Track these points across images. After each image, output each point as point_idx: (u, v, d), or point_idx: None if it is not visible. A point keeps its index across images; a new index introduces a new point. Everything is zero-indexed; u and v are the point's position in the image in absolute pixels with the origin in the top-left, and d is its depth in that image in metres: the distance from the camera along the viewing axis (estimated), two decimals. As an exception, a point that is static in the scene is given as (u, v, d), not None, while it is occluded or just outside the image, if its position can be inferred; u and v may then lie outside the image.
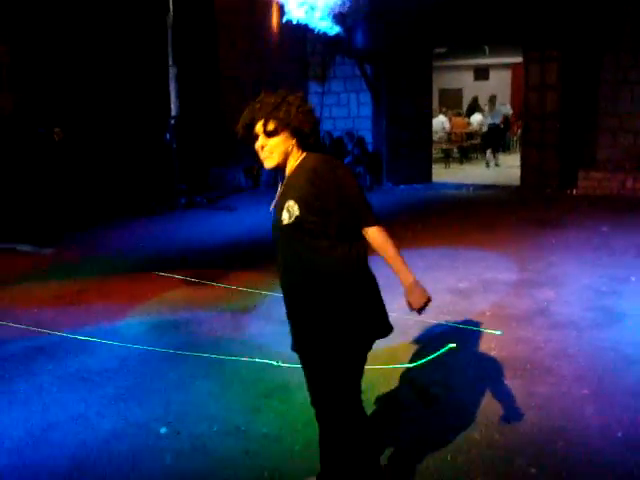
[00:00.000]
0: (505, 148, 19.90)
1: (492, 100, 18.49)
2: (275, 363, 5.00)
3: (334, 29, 13.04)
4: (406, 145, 14.95)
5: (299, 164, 3.00)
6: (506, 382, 4.74)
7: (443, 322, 5.95)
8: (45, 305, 6.83)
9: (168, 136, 12.75)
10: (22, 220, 10.17)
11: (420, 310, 3.08)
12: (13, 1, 11.29)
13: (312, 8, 12.38)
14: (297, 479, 3.52)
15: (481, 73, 25.59)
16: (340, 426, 3.07)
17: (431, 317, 6.14)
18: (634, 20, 12.52)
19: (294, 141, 2.98)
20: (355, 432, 3.08)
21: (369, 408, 4.37)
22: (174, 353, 5.47)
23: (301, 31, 13.58)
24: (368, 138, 15.20)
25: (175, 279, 7.56)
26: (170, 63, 12.62)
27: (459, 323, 5.94)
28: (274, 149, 2.96)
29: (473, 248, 8.79)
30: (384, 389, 4.68)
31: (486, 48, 20.34)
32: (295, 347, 3.11)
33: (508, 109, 19.37)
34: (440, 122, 18.95)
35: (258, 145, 2.99)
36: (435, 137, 17.85)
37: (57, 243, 9.78)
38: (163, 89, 12.69)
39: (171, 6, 12.34)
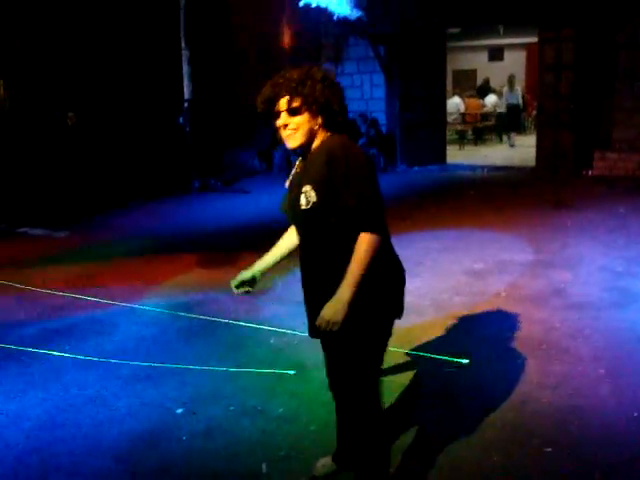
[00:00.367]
0: (522, 129, 19.77)
1: (511, 80, 18.36)
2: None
3: (347, 10, 12.96)
4: (420, 127, 14.87)
5: (320, 145, 2.82)
6: (521, 362, 4.73)
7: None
8: (60, 288, 6.87)
9: (181, 119, 12.76)
10: (36, 204, 10.22)
11: (321, 327, 2.78)
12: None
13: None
14: (313, 458, 3.52)
15: (495, 53, 25.37)
16: (359, 410, 3.00)
17: (446, 299, 6.15)
18: (651, -1, 12.36)
19: (320, 120, 2.79)
20: (373, 416, 3.02)
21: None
22: (190, 334, 5.50)
23: (314, 12, 13.50)
24: (382, 120, 15.12)
25: (188, 261, 7.58)
26: (183, 46, 12.60)
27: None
28: (298, 128, 2.77)
29: (488, 229, 8.76)
30: (398, 371, 4.68)
31: (500, 28, 20.13)
32: (314, 332, 2.95)
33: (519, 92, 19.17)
34: (454, 103, 18.82)
35: (280, 123, 2.79)
36: (449, 118, 17.76)
37: (71, 227, 9.82)
38: (176, 72, 12.68)
39: (183, -12, 12.30)
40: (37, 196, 10.41)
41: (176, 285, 6.91)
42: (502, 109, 19.16)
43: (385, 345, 2.98)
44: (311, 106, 2.75)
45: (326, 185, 2.70)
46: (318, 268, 2.89)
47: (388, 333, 2.95)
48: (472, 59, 25.33)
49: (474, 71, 25.09)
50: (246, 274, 3.27)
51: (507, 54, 25.16)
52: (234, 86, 14.07)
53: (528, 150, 15.42)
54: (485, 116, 19.80)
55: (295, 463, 3.57)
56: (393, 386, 4.37)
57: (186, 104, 12.70)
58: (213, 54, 13.75)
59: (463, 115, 19.27)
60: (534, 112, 18.33)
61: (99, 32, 11.89)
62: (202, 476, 3.57)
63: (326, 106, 2.77)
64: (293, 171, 3.00)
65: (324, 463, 3.44)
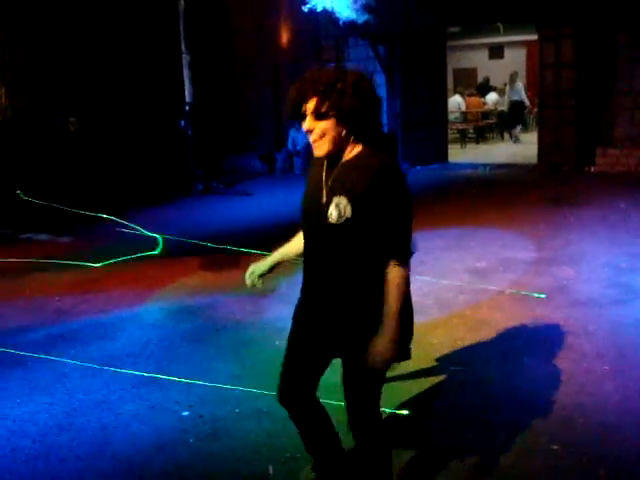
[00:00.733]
0: (524, 126, 19.80)
1: (513, 77, 18.43)
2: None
3: (347, 11, 12.96)
4: (421, 126, 14.88)
5: (357, 157, 2.66)
6: (526, 360, 4.74)
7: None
8: (65, 293, 6.88)
9: (183, 123, 12.77)
10: (40, 209, 10.24)
11: (375, 366, 2.71)
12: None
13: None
14: (319, 459, 3.53)
15: (496, 52, 25.37)
16: (375, 429, 2.98)
17: (450, 298, 6.15)
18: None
19: (347, 128, 2.60)
20: (380, 425, 3.04)
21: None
22: (195, 337, 5.51)
23: (314, 14, 13.51)
24: (383, 119, 15.12)
25: (192, 264, 7.60)
26: (183, 50, 12.62)
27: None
28: (324, 134, 2.59)
29: (491, 227, 8.76)
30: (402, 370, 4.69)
31: (500, 26, 20.15)
32: (339, 351, 2.86)
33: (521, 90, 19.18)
34: (456, 102, 18.84)
35: (306, 127, 2.61)
36: (451, 117, 17.78)
37: (75, 232, 9.84)
38: (177, 76, 12.70)
39: (182, -8, 12.33)
40: (42, 202, 10.42)
41: (180, 288, 6.92)
42: (504, 107, 19.20)
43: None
44: (338, 113, 2.55)
45: (365, 204, 2.58)
46: (340, 286, 2.73)
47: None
48: (472, 57, 25.34)
49: (475, 69, 25.11)
50: (262, 267, 3.16)
51: (507, 52, 25.16)
52: (235, 89, 14.09)
53: (530, 147, 15.42)
54: (486, 114, 19.80)
55: (301, 465, 3.58)
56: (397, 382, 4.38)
57: (187, 108, 12.72)
58: (213, 57, 13.78)
59: (464, 114, 19.28)
60: (535, 109, 18.36)
61: (99, 38, 11.91)
62: (208, 479, 3.58)
63: (353, 115, 2.57)
64: (313, 178, 2.80)
65: (306, 473, 3.40)
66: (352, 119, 2.57)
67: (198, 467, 3.66)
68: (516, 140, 18.36)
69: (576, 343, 5.00)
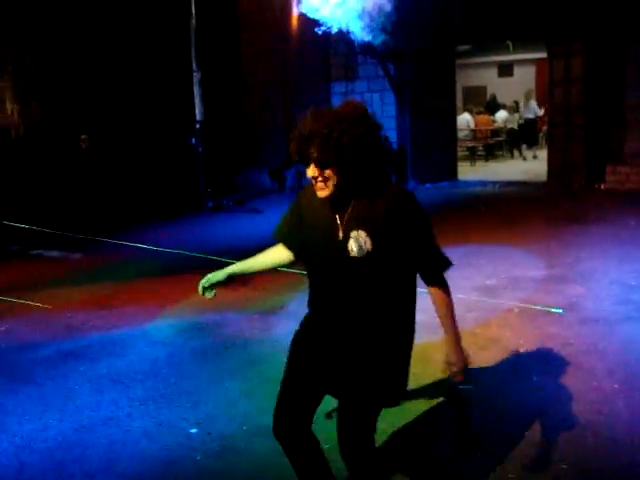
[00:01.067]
0: (534, 143, 19.86)
1: (528, 95, 18.61)
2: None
3: (357, 30, 13.03)
4: (431, 144, 14.91)
5: (367, 193, 2.70)
6: (536, 378, 4.72)
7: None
8: (75, 309, 6.91)
9: (194, 140, 12.85)
10: (51, 225, 10.29)
11: (456, 376, 2.87)
12: (36, 10, 11.43)
13: (335, 10, 12.37)
14: (327, 477, 3.51)
15: (505, 69, 25.43)
16: (371, 460, 2.94)
17: (459, 315, 6.12)
18: (659, 12, 12.37)
19: (352, 173, 2.64)
20: (380, 464, 3.07)
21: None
22: (204, 354, 5.51)
23: (323, 33, 13.59)
24: (392, 137, 15.16)
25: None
26: (194, 68, 12.71)
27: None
28: (328, 180, 2.64)
29: (500, 245, 8.75)
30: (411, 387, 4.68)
31: (510, 44, 20.21)
32: (339, 388, 2.85)
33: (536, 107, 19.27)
34: (465, 120, 18.88)
35: (310, 174, 2.66)
36: (460, 135, 17.81)
37: (85, 248, 9.88)
38: (187, 94, 12.79)
39: (193, 10, 12.43)
40: (52, 218, 10.49)
41: (190, 305, 6.92)
42: (513, 125, 19.25)
43: None
44: (339, 162, 2.59)
45: (387, 235, 2.65)
46: (360, 320, 2.75)
47: None
48: (482, 75, 25.39)
49: (484, 87, 25.14)
50: (220, 275, 3.16)
51: (517, 70, 25.21)
52: (245, 106, 14.17)
53: (540, 164, 15.42)
54: (496, 132, 19.82)
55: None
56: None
57: (198, 125, 12.80)
58: (223, 75, 13.87)
59: (473, 131, 19.32)
60: (544, 127, 18.42)
61: (111, 55, 12.03)
62: (217, 496, 3.58)
63: (353, 166, 2.61)
64: (311, 205, 2.85)
65: None
66: (353, 170, 2.62)
67: (206, 484, 3.67)
68: (524, 157, 18.51)
69: (586, 361, 4.98)
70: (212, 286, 3.16)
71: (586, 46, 12.80)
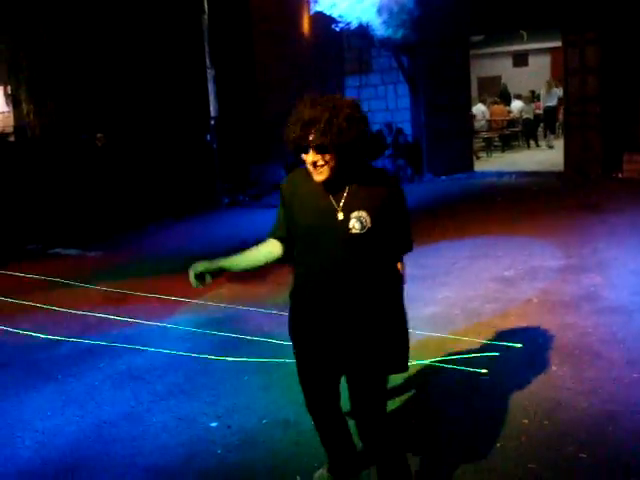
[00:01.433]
0: (552, 132, 19.77)
1: (549, 83, 18.51)
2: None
3: (371, 23, 13.00)
4: (446, 135, 14.86)
5: (362, 177, 2.93)
6: (554, 368, 4.71)
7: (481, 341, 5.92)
8: (93, 306, 6.96)
9: (209, 137, 12.88)
10: (68, 224, 10.37)
11: None
12: (50, 9, 11.49)
13: (349, 4, 12.34)
14: (347, 469, 3.53)
15: (520, 59, 25.29)
16: (388, 432, 3.11)
17: (477, 307, 6.13)
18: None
19: (346, 158, 2.85)
20: (394, 433, 3.19)
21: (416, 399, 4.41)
22: (223, 349, 5.54)
23: (335, 26, 13.57)
24: (407, 130, 15.14)
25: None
26: (208, 65, 12.74)
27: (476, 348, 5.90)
28: (328, 164, 2.83)
29: (518, 236, 8.72)
30: (427, 379, 4.68)
31: (524, 34, 20.10)
32: (348, 361, 3.01)
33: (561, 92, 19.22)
34: (479, 110, 18.79)
35: (309, 160, 2.84)
36: (475, 126, 17.74)
37: (103, 246, 9.95)
38: (202, 90, 12.82)
39: (206, 7, 12.45)
40: (69, 216, 10.56)
41: (208, 300, 6.96)
42: (529, 114, 19.13)
43: None
44: (337, 147, 2.79)
45: (381, 213, 2.90)
46: (361, 292, 2.93)
47: None
48: (496, 65, 25.26)
49: (499, 77, 25.02)
50: (212, 265, 3.26)
51: (531, 59, 25.07)
52: (259, 101, 14.17)
53: (556, 154, 15.34)
54: (512, 122, 19.70)
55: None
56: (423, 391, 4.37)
57: (212, 122, 12.83)
58: (237, 72, 13.87)
59: (489, 122, 19.22)
60: (561, 116, 18.32)
61: (125, 54, 12.06)
62: (237, 489, 3.61)
63: (351, 147, 2.82)
64: (303, 189, 3.01)
65: (321, 474, 3.50)
66: (350, 151, 2.83)
67: (227, 478, 3.69)
68: (550, 146, 18.43)
69: (605, 351, 4.96)
70: (202, 275, 3.24)
71: (601, 35, 12.70)
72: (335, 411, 3.29)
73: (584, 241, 8.17)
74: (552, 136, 18.97)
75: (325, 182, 2.89)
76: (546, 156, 16.87)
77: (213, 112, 12.85)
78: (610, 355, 4.87)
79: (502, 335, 5.40)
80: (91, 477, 3.79)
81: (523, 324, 5.62)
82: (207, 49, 12.68)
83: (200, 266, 3.21)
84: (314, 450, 3.79)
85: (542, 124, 19.83)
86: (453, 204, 11.59)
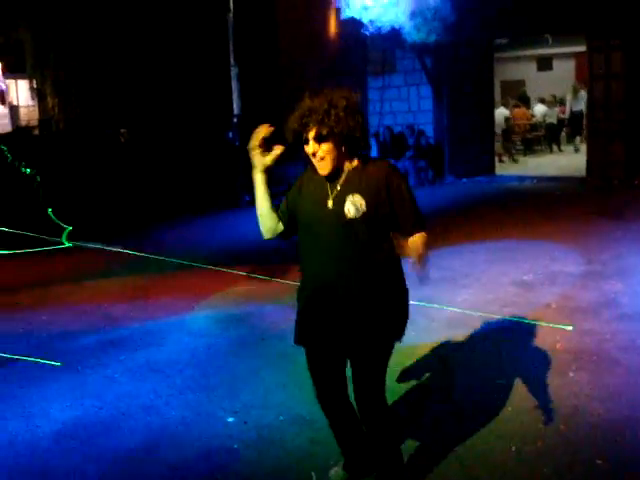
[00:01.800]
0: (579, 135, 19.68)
1: (575, 88, 18.42)
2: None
3: (394, 23, 13.00)
4: (468, 138, 14.83)
5: (358, 166, 3.05)
6: (572, 374, 4.69)
7: (507, 317, 5.92)
8: (114, 300, 7.03)
9: (231, 134, 12.94)
10: (91, 218, 10.45)
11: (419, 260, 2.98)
12: (77, 6, 11.60)
13: (366, 6, 12.36)
14: (362, 468, 3.55)
15: (544, 63, 25.09)
16: (386, 415, 3.22)
17: (495, 310, 6.12)
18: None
19: (345, 147, 3.00)
20: (392, 419, 3.30)
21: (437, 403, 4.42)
22: (241, 345, 5.58)
23: (361, 27, 13.59)
24: (429, 132, 15.11)
25: (238, 274, 7.69)
26: (232, 62, 12.81)
27: (521, 318, 5.89)
28: (326, 155, 2.98)
29: (538, 240, 8.69)
30: (444, 384, 4.69)
31: (549, 38, 19.98)
32: (344, 342, 3.12)
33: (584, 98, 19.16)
34: (501, 114, 18.71)
35: (310, 150, 3.01)
36: (498, 130, 17.67)
37: (124, 240, 10.02)
38: (225, 88, 12.88)
39: (232, 6, 12.51)
40: (92, 210, 10.65)
41: (226, 297, 7.01)
42: (552, 119, 19.03)
43: None
44: (337, 135, 2.93)
45: (377, 196, 2.97)
46: (355, 276, 3.03)
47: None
48: (520, 69, 25.08)
49: (522, 81, 24.87)
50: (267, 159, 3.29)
51: (556, 64, 24.86)
52: (281, 100, 14.20)
53: (579, 159, 15.25)
54: (534, 126, 19.59)
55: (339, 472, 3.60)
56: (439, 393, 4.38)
57: (235, 119, 12.89)
58: (261, 70, 13.92)
59: (511, 126, 19.11)
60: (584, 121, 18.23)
61: (149, 50, 12.15)
62: (253, 484, 3.64)
63: (350, 135, 2.95)
64: (310, 186, 3.16)
65: (336, 472, 3.54)
66: (349, 139, 2.97)
67: (243, 473, 3.72)
68: (577, 150, 18.27)
69: (623, 357, 4.94)
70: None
71: (625, 41, 12.62)
72: (344, 401, 3.34)
73: (605, 247, 8.13)
74: (579, 139, 18.81)
75: (327, 176, 3.04)
76: (568, 161, 16.78)
77: (236, 110, 12.91)
78: (628, 362, 4.86)
79: (519, 340, 5.40)
80: (109, 468, 3.83)
81: (542, 329, 5.60)
82: (231, 47, 12.74)
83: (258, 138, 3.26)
84: (329, 448, 3.80)
85: (565, 129, 19.73)
86: (474, 207, 11.56)
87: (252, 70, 13.33)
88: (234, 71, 12.83)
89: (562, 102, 20.12)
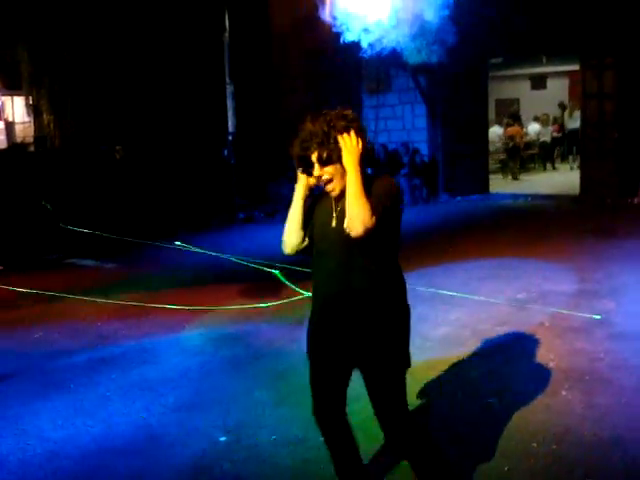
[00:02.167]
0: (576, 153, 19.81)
1: (572, 107, 18.55)
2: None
3: (388, 43, 13.06)
4: (462, 156, 14.89)
5: (364, 182, 3.01)
6: (565, 393, 4.70)
7: (501, 334, 5.93)
8: (107, 317, 7.02)
9: (226, 152, 12.98)
10: (86, 235, 10.45)
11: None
12: (72, 23, 11.65)
13: (366, 28, 12.40)
14: (354, 487, 3.54)
15: (538, 82, 25.24)
16: (412, 428, 3.18)
17: (489, 329, 6.13)
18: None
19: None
20: (418, 427, 3.24)
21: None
22: (234, 364, 5.57)
23: (355, 46, 13.65)
24: (423, 150, 15.18)
25: (232, 291, 7.70)
26: (227, 81, 12.87)
27: (515, 335, 5.90)
28: (333, 177, 3.00)
29: (531, 259, 8.71)
30: (435, 402, 4.69)
31: (543, 57, 20.12)
32: (357, 359, 3.13)
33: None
34: (495, 133, 18.82)
35: (316, 174, 3.03)
36: (491, 148, 17.75)
37: (119, 258, 10.02)
38: (220, 106, 12.93)
39: (227, 25, 12.60)
40: (87, 227, 10.65)
41: (220, 315, 7.00)
42: (546, 137, 19.14)
43: None
44: (339, 157, 2.96)
45: (383, 213, 2.95)
46: (362, 291, 3.04)
47: None
48: (514, 88, 25.22)
49: (517, 100, 25.00)
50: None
51: (550, 82, 25.01)
52: (276, 118, 14.26)
53: (572, 178, 15.32)
54: (528, 145, 19.68)
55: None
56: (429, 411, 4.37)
57: (230, 137, 12.93)
58: (256, 88, 14.00)
59: (505, 144, 19.20)
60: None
61: (145, 68, 12.20)
62: (245, 504, 3.63)
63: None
64: (322, 205, 3.16)
65: None
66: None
67: (234, 492, 3.71)
68: (572, 168, 18.36)
69: (616, 377, 4.95)
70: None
71: (618, 60, 12.72)
72: (341, 418, 3.32)
73: (598, 266, 8.15)
74: (571, 158, 18.92)
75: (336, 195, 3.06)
76: (562, 179, 16.86)
77: (231, 127, 12.96)
78: (621, 382, 4.86)
79: (512, 358, 5.40)
80: (101, 487, 3.82)
81: (534, 348, 5.60)
82: (227, 66, 12.81)
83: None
84: (322, 467, 3.81)
85: (558, 147, 19.83)
86: (468, 225, 11.60)
87: (247, 88, 13.40)
88: (229, 89, 12.89)
89: (556, 121, 20.24)
